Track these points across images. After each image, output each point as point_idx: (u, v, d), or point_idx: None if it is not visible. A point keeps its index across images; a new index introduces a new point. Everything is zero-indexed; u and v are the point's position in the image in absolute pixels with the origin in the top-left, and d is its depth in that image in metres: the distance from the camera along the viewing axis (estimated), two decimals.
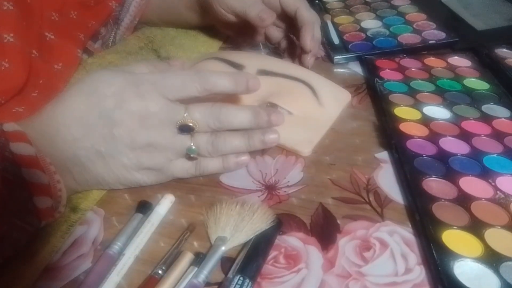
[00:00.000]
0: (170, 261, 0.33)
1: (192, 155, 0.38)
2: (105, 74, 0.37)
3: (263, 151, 0.44)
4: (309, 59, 0.54)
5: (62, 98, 0.36)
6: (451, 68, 0.54)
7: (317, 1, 0.75)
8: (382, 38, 0.62)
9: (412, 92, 0.50)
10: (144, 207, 0.37)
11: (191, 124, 0.36)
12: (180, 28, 0.67)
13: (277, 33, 0.59)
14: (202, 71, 0.38)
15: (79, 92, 0.36)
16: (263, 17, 0.51)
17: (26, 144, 0.32)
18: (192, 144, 0.37)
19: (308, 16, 0.53)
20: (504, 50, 0.55)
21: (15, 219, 0.31)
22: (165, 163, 0.38)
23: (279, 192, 0.39)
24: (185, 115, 0.36)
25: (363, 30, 0.65)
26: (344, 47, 0.61)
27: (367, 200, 0.38)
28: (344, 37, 0.63)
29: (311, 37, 0.52)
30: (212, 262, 0.32)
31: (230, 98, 0.47)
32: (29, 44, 0.45)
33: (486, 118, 0.45)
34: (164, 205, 0.37)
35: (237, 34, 0.62)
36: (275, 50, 0.63)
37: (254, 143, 0.40)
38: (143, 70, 0.40)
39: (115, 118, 0.35)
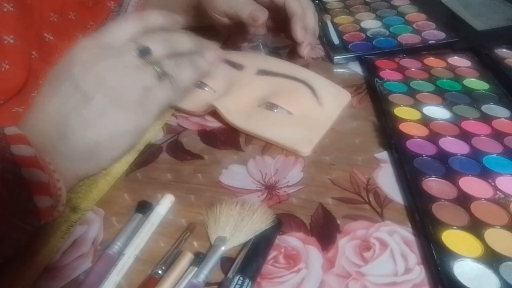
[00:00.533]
0: (170, 261, 0.33)
1: (157, 70, 0.39)
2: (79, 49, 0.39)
3: (263, 151, 0.44)
4: (303, 49, 0.53)
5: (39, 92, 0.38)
6: (451, 68, 0.54)
7: (317, 1, 0.75)
8: (382, 38, 0.62)
9: (412, 92, 0.50)
10: (144, 207, 0.37)
11: (147, 45, 0.38)
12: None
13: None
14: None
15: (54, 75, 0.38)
16: (255, 17, 0.50)
17: (26, 146, 0.33)
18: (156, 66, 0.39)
19: (295, 6, 0.52)
20: (504, 50, 0.55)
21: (15, 219, 0.31)
22: (141, 93, 0.38)
23: (279, 192, 0.39)
24: (136, 44, 0.38)
25: (363, 30, 0.65)
26: (344, 47, 0.61)
27: (367, 200, 0.38)
28: (344, 37, 0.63)
29: (300, 28, 0.52)
30: (212, 262, 0.32)
31: (230, 98, 0.47)
32: (29, 45, 0.45)
33: (486, 118, 0.45)
34: (164, 205, 0.37)
35: (237, 34, 0.62)
36: (275, 50, 0.63)
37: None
38: None
39: (74, 73, 0.37)
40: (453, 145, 0.41)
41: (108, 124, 0.37)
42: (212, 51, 0.44)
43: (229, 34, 0.65)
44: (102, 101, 0.36)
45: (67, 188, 0.36)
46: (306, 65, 0.58)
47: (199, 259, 0.32)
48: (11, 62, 0.42)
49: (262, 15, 0.51)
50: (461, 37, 0.60)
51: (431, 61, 0.56)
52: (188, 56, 0.42)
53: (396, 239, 0.34)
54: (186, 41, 0.42)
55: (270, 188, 0.40)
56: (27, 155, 0.32)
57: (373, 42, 0.61)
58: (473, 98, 0.48)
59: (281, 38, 0.66)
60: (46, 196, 0.32)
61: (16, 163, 0.31)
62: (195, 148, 0.45)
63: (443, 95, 0.49)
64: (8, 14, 0.42)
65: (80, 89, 0.36)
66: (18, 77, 0.43)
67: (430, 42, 0.60)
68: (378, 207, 0.37)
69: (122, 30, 0.40)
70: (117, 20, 0.41)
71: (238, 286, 0.30)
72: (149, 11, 0.43)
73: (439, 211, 0.35)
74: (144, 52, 0.38)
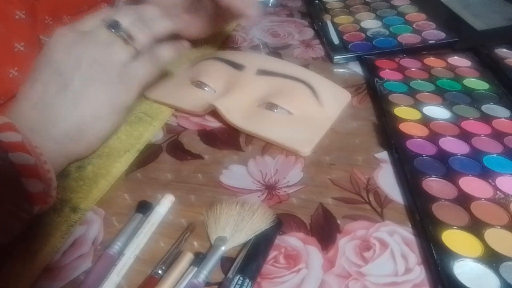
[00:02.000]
0: (170, 261, 0.33)
1: (129, 36, 0.40)
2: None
3: (263, 151, 0.44)
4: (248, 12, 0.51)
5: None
6: (451, 68, 0.54)
7: (317, 1, 0.75)
8: (382, 38, 0.62)
9: (412, 92, 0.50)
10: (144, 207, 0.37)
11: (115, 19, 0.40)
12: None
13: None
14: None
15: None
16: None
17: (14, 132, 0.33)
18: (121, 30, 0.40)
19: None
20: (504, 50, 0.55)
21: (6, 204, 0.32)
22: (119, 68, 0.40)
23: (279, 192, 0.39)
24: (106, 19, 0.40)
25: (363, 30, 0.65)
26: (344, 47, 0.61)
27: (367, 200, 0.38)
28: (344, 37, 0.63)
29: None
30: (212, 262, 0.32)
31: (230, 98, 0.47)
32: (36, 50, 0.45)
33: (486, 118, 0.45)
34: (164, 205, 0.37)
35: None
36: (275, 50, 0.63)
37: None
38: None
39: (54, 58, 0.39)
40: (453, 145, 0.41)
41: (90, 103, 0.39)
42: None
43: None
44: (81, 82, 0.38)
45: (58, 171, 0.38)
46: (306, 65, 0.58)
47: (199, 259, 0.33)
48: (20, 69, 0.42)
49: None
50: (461, 37, 0.60)
51: (431, 61, 0.56)
52: (151, 12, 0.43)
53: (396, 239, 0.34)
54: (153, 9, 0.43)
55: (270, 188, 0.40)
56: (15, 141, 0.33)
57: (373, 42, 0.61)
58: (473, 98, 0.48)
59: (281, 38, 0.66)
60: (35, 178, 0.33)
61: (3, 149, 0.32)
62: (195, 148, 0.45)
63: (443, 95, 0.49)
64: (20, 22, 0.43)
65: (60, 73, 0.38)
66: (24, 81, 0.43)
67: (430, 42, 0.60)
68: (378, 207, 0.37)
69: (96, 17, 0.41)
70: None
71: (238, 286, 0.30)
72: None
73: (439, 211, 0.35)
74: (112, 25, 0.40)
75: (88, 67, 0.38)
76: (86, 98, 0.39)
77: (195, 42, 0.61)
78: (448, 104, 0.47)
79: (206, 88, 0.51)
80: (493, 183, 0.37)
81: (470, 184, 0.37)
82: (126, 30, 0.40)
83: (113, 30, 0.40)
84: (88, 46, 0.39)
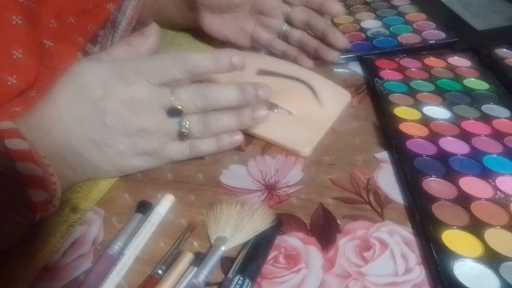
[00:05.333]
0: (170, 261, 0.33)
1: (185, 133, 0.38)
2: (89, 65, 0.38)
3: (263, 151, 0.44)
4: (334, 54, 0.54)
5: (52, 93, 0.37)
6: (451, 68, 0.54)
7: None
8: (382, 38, 0.62)
9: (412, 92, 0.50)
10: (144, 207, 0.37)
11: (179, 107, 0.37)
12: (175, 29, 0.67)
13: (266, 36, 0.58)
14: (183, 52, 0.38)
15: (67, 86, 0.37)
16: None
17: (20, 140, 0.33)
18: (183, 126, 0.38)
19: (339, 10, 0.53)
20: (504, 50, 0.55)
21: (8, 212, 0.31)
22: (159, 147, 0.39)
23: (279, 192, 0.39)
24: (172, 98, 0.37)
25: (363, 30, 0.65)
26: None
27: (367, 200, 0.38)
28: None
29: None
30: (212, 262, 0.32)
31: None
32: (36, 57, 0.45)
33: (486, 118, 0.45)
34: (164, 205, 0.37)
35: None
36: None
37: (244, 120, 0.40)
38: (121, 52, 0.40)
39: (104, 107, 0.36)
40: (453, 145, 0.41)
41: (119, 161, 0.39)
42: (249, 116, 0.40)
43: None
44: (122, 143, 0.37)
45: (64, 190, 0.37)
46: None
47: (199, 259, 0.32)
48: (19, 76, 0.41)
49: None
50: (461, 37, 0.60)
51: (431, 61, 0.56)
52: (218, 123, 0.39)
53: (396, 239, 0.34)
54: (225, 97, 0.38)
55: (270, 188, 0.40)
56: (21, 149, 0.32)
57: (373, 42, 0.61)
58: (473, 98, 0.48)
59: None
60: (41, 189, 0.33)
61: (10, 157, 0.32)
62: None
63: (443, 95, 0.49)
64: (17, 28, 0.42)
65: (105, 125, 0.36)
66: (24, 88, 0.43)
67: (430, 42, 0.60)
68: (378, 207, 0.37)
69: (164, 70, 0.37)
70: (161, 56, 0.38)
71: (238, 286, 0.30)
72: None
73: (439, 211, 0.34)
74: (174, 112, 0.37)
75: (134, 132, 0.37)
76: (118, 154, 0.38)
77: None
78: (448, 104, 0.47)
79: None
80: (493, 183, 0.37)
81: (470, 184, 0.37)
82: (186, 128, 0.38)
83: (172, 116, 0.38)
84: (143, 114, 0.37)
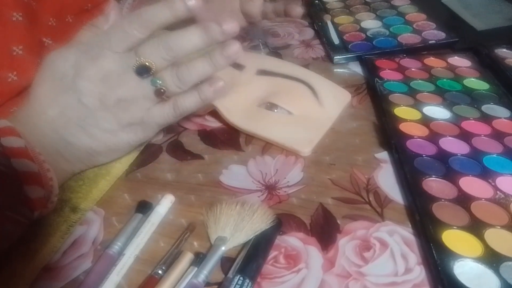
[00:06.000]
0: (170, 261, 0.33)
1: (162, 90, 0.37)
2: (58, 53, 0.38)
3: (263, 151, 0.44)
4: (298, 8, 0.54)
5: (33, 88, 0.38)
6: (451, 68, 0.54)
7: (317, 1, 0.75)
8: (382, 38, 0.62)
9: (412, 92, 0.50)
10: (144, 207, 0.37)
11: (146, 63, 0.36)
12: (169, 27, 0.67)
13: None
14: (138, 10, 0.37)
15: (43, 77, 0.38)
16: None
17: (16, 137, 0.33)
18: (157, 83, 0.37)
19: None
20: (504, 50, 0.55)
21: (6, 210, 0.32)
22: (143, 113, 0.38)
23: (279, 192, 0.39)
24: (136, 58, 0.36)
25: (363, 30, 0.65)
26: (344, 47, 0.61)
27: (367, 200, 0.38)
28: (344, 37, 0.63)
29: None
30: (212, 262, 0.32)
31: (230, 98, 0.47)
32: (36, 54, 0.45)
33: (486, 118, 0.45)
34: (164, 205, 0.37)
35: None
36: (275, 50, 0.63)
37: (218, 61, 0.38)
38: (87, 35, 0.41)
39: (79, 88, 0.36)
40: (453, 145, 0.41)
41: (108, 138, 0.38)
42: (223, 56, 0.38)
43: None
44: (103, 117, 0.37)
45: (61, 182, 0.37)
46: (306, 65, 0.58)
47: (199, 259, 0.33)
48: (19, 73, 0.42)
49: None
50: (461, 37, 0.60)
51: (431, 61, 0.56)
52: (191, 72, 0.38)
53: (396, 239, 0.34)
54: (190, 42, 0.37)
55: (270, 188, 0.40)
56: (17, 147, 0.33)
57: (373, 42, 0.61)
58: (473, 98, 0.48)
59: (281, 38, 0.67)
60: (37, 186, 0.33)
61: (5, 155, 0.32)
62: (195, 148, 0.45)
63: (443, 95, 0.49)
64: (17, 24, 0.42)
65: (83, 103, 0.36)
66: (24, 86, 0.43)
67: (430, 42, 0.60)
68: (378, 207, 0.37)
69: (124, 35, 0.37)
70: (119, 22, 0.38)
71: (238, 286, 0.30)
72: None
73: (439, 211, 0.34)
74: (143, 71, 0.36)
75: (113, 105, 0.37)
76: (105, 132, 0.38)
77: None
78: (448, 104, 0.47)
79: None
80: (493, 183, 0.37)
81: (470, 184, 0.37)
82: (158, 83, 0.37)
83: (143, 76, 0.36)
84: (116, 84, 0.36)
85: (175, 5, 0.36)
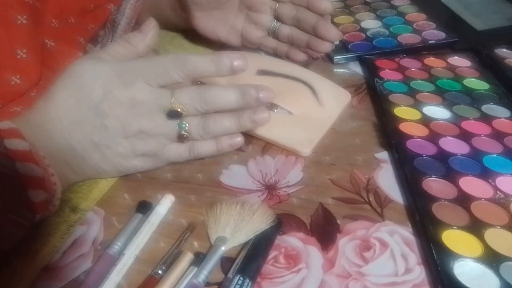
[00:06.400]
0: (170, 261, 0.33)
1: (184, 135, 0.38)
2: (89, 65, 0.37)
3: (263, 151, 0.44)
4: (327, 46, 0.54)
5: (52, 92, 0.37)
6: (451, 68, 0.54)
7: None
8: (382, 38, 0.62)
9: (412, 92, 0.50)
10: (144, 207, 0.37)
11: (179, 110, 0.37)
12: (173, 29, 0.67)
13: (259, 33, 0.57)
14: (184, 55, 0.37)
15: (66, 86, 0.37)
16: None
17: (20, 140, 0.33)
18: (183, 129, 0.38)
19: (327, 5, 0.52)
20: (504, 50, 0.55)
21: (9, 212, 0.31)
22: (159, 148, 0.39)
23: (279, 192, 0.39)
24: (171, 100, 0.36)
25: (363, 30, 0.65)
26: (344, 47, 0.61)
27: (367, 200, 0.38)
28: (344, 37, 0.63)
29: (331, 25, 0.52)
30: (212, 262, 0.32)
31: None
32: (39, 56, 0.45)
33: (486, 118, 0.45)
34: (164, 205, 0.37)
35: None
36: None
37: (245, 123, 0.39)
38: (120, 50, 0.40)
39: (104, 109, 0.36)
40: (453, 145, 0.41)
41: (119, 162, 0.39)
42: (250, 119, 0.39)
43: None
44: (122, 145, 0.37)
45: (65, 188, 0.37)
46: (306, 65, 0.58)
47: (199, 259, 0.32)
48: (23, 76, 0.41)
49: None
50: (461, 37, 0.60)
51: (431, 61, 0.56)
52: (217, 126, 0.38)
53: (396, 239, 0.34)
54: (226, 100, 0.37)
55: (270, 188, 0.40)
56: (21, 149, 0.32)
57: (373, 42, 0.61)
58: (473, 98, 0.48)
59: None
60: (41, 190, 0.33)
61: (9, 157, 0.32)
62: None
63: (443, 95, 0.49)
64: (21, 27, 0.42)
65: (105, 126, 0.36)
66: (27, 88, 0.43)
67: (430, 42, 0.60)
68: (378, 207, 0.37)
69: (164, 73, 0.37)
70: (162, 59, 0.37)
71: (238, 286, 0.30)
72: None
73: (439, 211, 0.34)
74: (174, 115, 0.37)
75: (134, 134, 0.37)
76: (118, 156, 0.38)
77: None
78: (448, 104, 0.47)
79: None
80: (493, 183, 0.37)
81: (470, 184, 0.37)
82: (186, 130, 0.38)
83: (171, 119, 0.37)
84: (143, 116, 0.37)
85: (222, 62, 0.37)
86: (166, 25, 0.67)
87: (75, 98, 0.36)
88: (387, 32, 0.63)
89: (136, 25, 0.65)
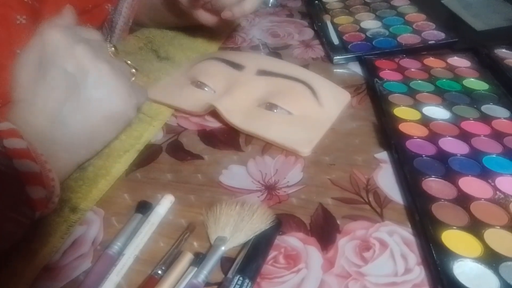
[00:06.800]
0: (169, 261, 0.33)
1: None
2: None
3: (263, 151, 0.44)
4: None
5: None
6: (451, 68, 0.54)
7: (317, 1, 0.75)
8: (382, 38, 0.62)
9: (411, 93, 0.50)
10: (143, 207, 0.37)
11: None
12: (171, 27, 0.67)
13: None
14: None
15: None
16: None
17: (19, 139, 0.33)
18: None
19: None
20: (504, 50, 0.55)
21: (8, 210, 0.32)
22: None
23: (278, 192, 0.39)
24: None
25: (362, 30, 0.65)
26: (343, 47, 0.61)
27: (366, 200, 0.38)
28: (344, 37, 0.63)
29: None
30: (211, 262, 0.32)
31: (229, 98, 0.47)
32: None
33: (486, 119, 0.45)
34: (164, 205, 0.37)
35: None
36: (275, 50, 0.63)
37: None
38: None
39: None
40: (453, 145, 0.41)
41: (103, 103, 0.38)
42: None
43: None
44: (95, 84, 0.37)
45: (67, 176, 0.37)
46: (306, 66, 0.58)
47: (199, 259, 0.33)
48: None
49: None
50: (461, 37, 0.60)
51: (431, 61, 0.56)
52: None
53: (396, 239, 0.34)
54: None
55: (270, 188, 0.40)
56: (19, 148, 0.33)
57: (373, 42, 0.61)
58: (473, 98, 0.48)
59: (280, 38, 0.67)
60: (39, 186, 0.33)
61: (8, 156, 0.32)
62: (195, 148, 0.45)
63: (443, 95, 0.49)
64: (21, 27, 0.42)
65: (69, 78, 0.36)
66: None
67: (430, 42, 0.60)
68: (378, 207, 0.37)
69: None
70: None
71: (238, 286, 0.30)
72: None
73: (439, 211, 0.35)
74: None
75: (101, 69, 0.37)
76: (99, 99, 0.37)
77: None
78: (448, 104, 0.48)
79: (206, 89, 0.51)
80: (492, 183, 0.37)
81: (470, 184, 0.37)
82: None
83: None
84: (100, 55, 0.38)
85: None
86: (163, 23, 0.67)
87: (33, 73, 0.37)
88: (387, 33, 0.63)
89: (134, 25, 0.65)
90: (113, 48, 0.41)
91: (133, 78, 0.41)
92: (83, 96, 0.37)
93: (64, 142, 0.37)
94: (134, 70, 0.41)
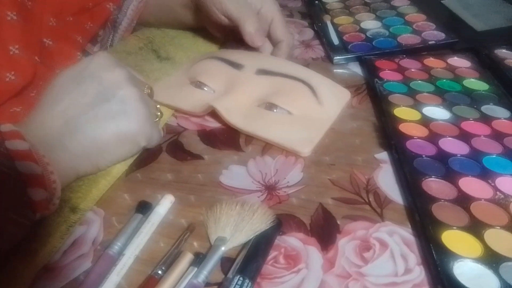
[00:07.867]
0: (170, 261, 0.33)
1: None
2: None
3: (263, 151, 0.44)
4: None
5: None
6: (451, 68, 0.54)
7: (317, 2, 0.75)
8: (382, 38, 0.62)
9: (411, 93, 0.50)
10: (144, 207, 0.37)
11: None
12: (176, 28, 0.67)
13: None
14: None
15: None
16: (254, 41, 0.53)
17: (21, 141, 0.33)
18: None
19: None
20: (504, 50, 0.55)
21: (9, 212, 0.31)
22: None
23: (279, 192, 0.39)
24: None
25: (362, 30, 0.65)
26: (344, 47, 0.61)
27: (366, 200, 0.38)
28: (344, 38, 0.63)
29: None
30: (212, 262, 0.32)
31: (229, 98, 0.47)
32: (33, 53, 0.45)
33: (486, 119, 0.45)
34: (164, 205, 0.37)
35: (226, 36, 0.62)
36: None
37: None
38: None
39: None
40: (453, 146, 0.42)
41: (121, 124, 0.38)
42: None
43: (222, 37, 0.64)
44: (121, 102, 0.38)
45: (65, 184, 0.37)
46: (306, 66, 0.58)
47: (199, 259, 0.32)
48: (17, 73, 0.41)
49: (259, 42, 0.53)
50: (461, 37, 0.60)
51: (431, 61, 0.56)
52: None
53: (396, 239, 0.34)
54: None
55: (270, 189, 0.40)
56: (21, 149, 0.33)
57: (373, 43, 0.61)
58: (473, 99, 0.48)
59: None
60: (40, 188, 0.33)
61: (10, 157, 0.32)
62: (195, 148, 0.45)
63: (443, 96, 0.49)
64: (12, 23, 0.42)
65: (102, 87, 0.37)
66: (22, 85, 0.43)
67: (430, 42, 0.60)
68: (378, 207, 0.37)
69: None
70: None
71: (238, 287, 0.30)
72: None
73: (439, 211, 0.35)
74: None
75: (129, 91, 0.39)
76: (118, 115, 0.38)
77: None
78: (448, 104, 0.48)
79: (205, 88, 0.51)
80: (492, 184, 0.37)
81: (470, 184, 0.37)
82: None
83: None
84: (136, 85, 0.40)
85: None
86: (172, 24, 0.67)
87: (73, 76, 0.38)
88: (387, 33, 0.63)
89: (137, 25, 0.65)
90: (149, 91, 0.43)
91: (157, 119, 0.42)
92: (105, 108, 0.37)
93: (71, 149, 0.37)
94: (159, 113, 0.43)
